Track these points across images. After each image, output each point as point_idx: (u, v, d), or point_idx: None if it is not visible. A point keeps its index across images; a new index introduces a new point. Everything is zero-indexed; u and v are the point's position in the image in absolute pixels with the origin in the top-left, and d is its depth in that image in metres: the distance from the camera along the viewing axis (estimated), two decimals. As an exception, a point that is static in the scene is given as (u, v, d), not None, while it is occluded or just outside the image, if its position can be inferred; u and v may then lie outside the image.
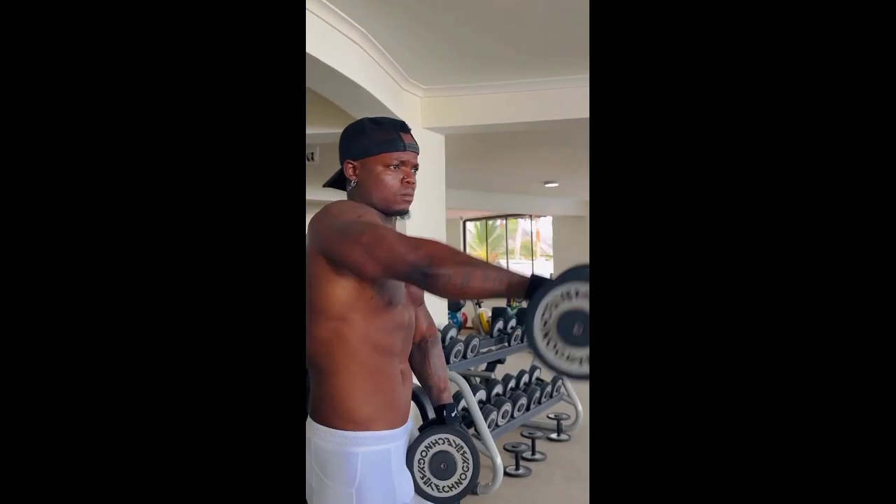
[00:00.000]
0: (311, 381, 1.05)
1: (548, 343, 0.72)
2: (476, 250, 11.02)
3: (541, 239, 10.64)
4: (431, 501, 1.11)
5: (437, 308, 3.16)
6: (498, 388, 3.15)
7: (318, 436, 1.00)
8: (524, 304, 0.76)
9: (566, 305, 0.72)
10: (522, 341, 3.49)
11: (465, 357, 2.91)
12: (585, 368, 0.71)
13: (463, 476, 1.07)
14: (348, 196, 1.09)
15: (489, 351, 3.25)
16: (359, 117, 3.23)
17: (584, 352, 0.71)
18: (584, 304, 0.71)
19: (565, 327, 0.71)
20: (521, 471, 2.89)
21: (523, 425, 3.31)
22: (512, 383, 3.29)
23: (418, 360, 1.22)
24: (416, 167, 1.08)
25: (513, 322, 3.46)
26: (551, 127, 3.09)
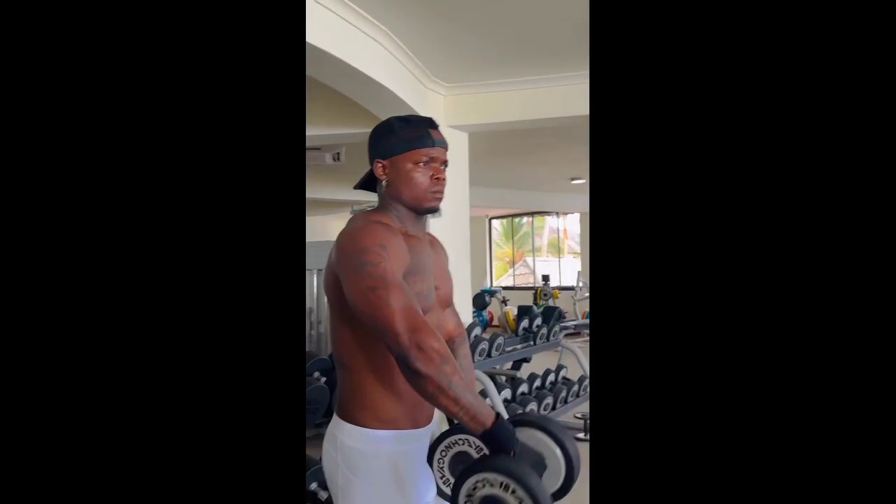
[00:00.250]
0: (338, 380, 1.06)
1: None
2: (502, 248, 10.96)
3: (568, 236, 10.52)
4: (449, 503, 1.10)
5: (462, 306, 3.15)
6: (523, 388, 3.13)
7: (344, 433, 1.01)
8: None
9: (490, 491, 0.83)
10: (548, 340, 3.45)
11: (489, 356, 2.89)
12: None
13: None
14: (379, 196, 1.07)
15: (514, 350, 3.23)
16: (382, 117, 3.21)
17: None
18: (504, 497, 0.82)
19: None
20: (546, 471, 2.85)
21: (549, 425, 3.27)
22: (538, 382, 3.26)
23: None
24: (445, 163, 1.06)
25: (538, 321, 3.43)
26: (577, 122, 3.04)
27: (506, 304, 7.74)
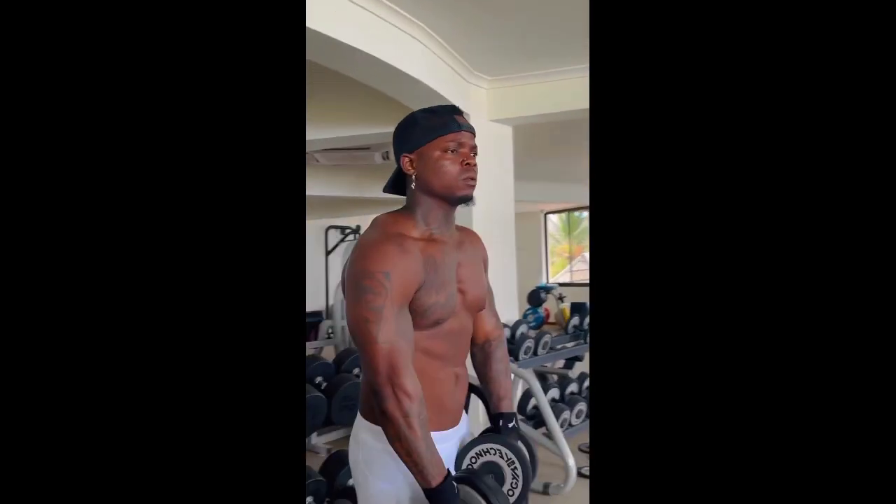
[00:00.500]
0: (362, 380, 1.06)
1: None
2: (560, 243, 10.74)
3: (629, 230, 10.11)
4: None
5: (507, 303, 3.11)
6: (573, 387, 3.04)
7: (364, 431, 1.01)
8: None
9: None
10: (600, 338, 3.33)
11: (535, 353, 2.83)
12: None
13: (511, 492, 1.01)
14: (408, 197, 1.04)
15: (563, 348, 3.14)
16: None
17: None
18: None
19: None
20: (596, 473, 2.75)
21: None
22: (587, 382, 3.16)
23: (480, 360, 1.20)
24: (474, 149, 1.02)
25: (589, 318, 3.32)
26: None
27: (562, 301, 7.57)
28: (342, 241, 7.07)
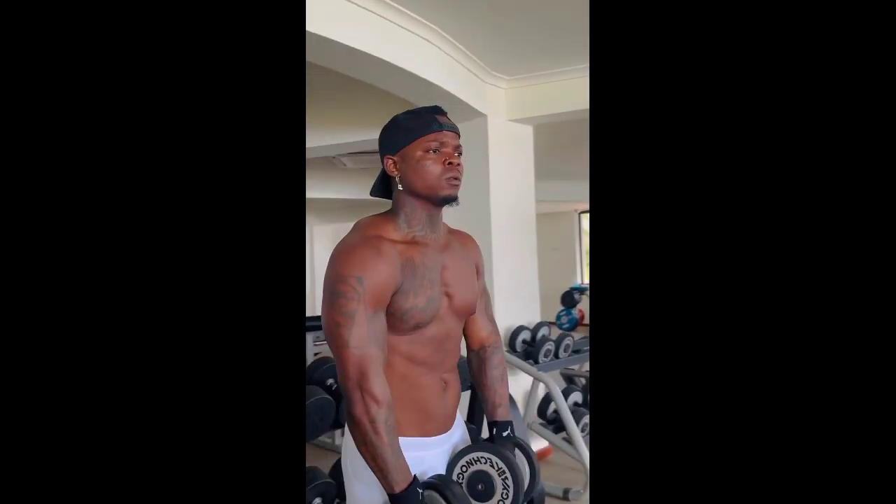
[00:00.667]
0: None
1: None
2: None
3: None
4: None
5: (525, 305, 3.07)
6: (597, 390, 2.97)
7: (349, 436, 1.02)
8: None
9: None
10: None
11: (556, 356, 2.78)
12: None
13: (501, 502, 0.99)
14: (393, 201, 1.04)
15: (587, 351, 3.08)
16: None
17: None
18: None
19: None
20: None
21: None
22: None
23: (476, 367, 1.19)
24: (457, 149, 1.01)
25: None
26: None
27: (597, 302, 7.41)
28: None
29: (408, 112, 1.04)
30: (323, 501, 1.67)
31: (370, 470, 0.93)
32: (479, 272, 1.15)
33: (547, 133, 3.41)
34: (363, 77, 2.32)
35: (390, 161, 1.01)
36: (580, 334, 3.13)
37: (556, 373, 3.07)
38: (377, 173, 1.09)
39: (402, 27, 2.21)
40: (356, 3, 1.98)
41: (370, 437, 0.88)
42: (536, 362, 2.69)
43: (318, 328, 3.46)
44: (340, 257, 0.94)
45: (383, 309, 0.94)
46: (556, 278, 7.71)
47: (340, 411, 2.43)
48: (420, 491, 0.90)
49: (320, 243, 7.02)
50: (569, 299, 7.53)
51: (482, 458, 1.02)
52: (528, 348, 2.80)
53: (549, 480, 2.58)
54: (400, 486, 0.88)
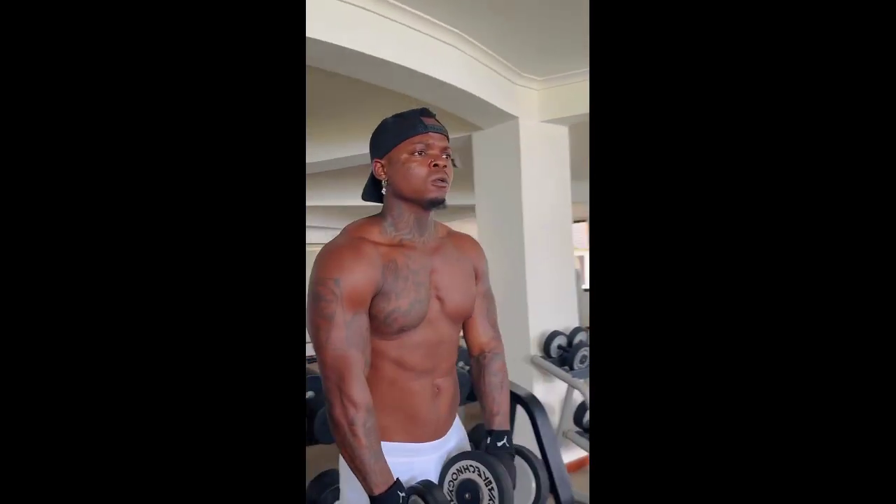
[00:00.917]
0: None
1: None
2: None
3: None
4: None
5: (545, 307, 3.00)
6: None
7: None
8: None
9: None
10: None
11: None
12: None
13: None
14: (384, 204, 1.03)
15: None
16: (471, 120, 3.17)
17: None
18: None
19: None
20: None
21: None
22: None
23: (476, 373, 1.17)
24: (445, 150, 0.98)
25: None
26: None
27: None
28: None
29: (396, 115, 1.03)
30: (343, 505, 1.71)
31: (352, 475, 0.93)
32: (479, 275, 1.12)
33: (585, 133, 3.32)
34: (387, 84, 2.34)
35: (378, 164, 1.01)
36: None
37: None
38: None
39: (425, 34, 2.22)
40: (380, 14, 2.00)
41: (348, 439, 0.88)
42: (571, 368, 2.63)
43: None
44: (321, 260, 0.95)
45: (364, 311, 0.94)
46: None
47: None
48: (401, 494, 0.89)
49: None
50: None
51: (471, 466, 1.00)
52: (564, 354, 2.74)
53: (586, 490, 2.51)
54: (379, 489, 0.88)
